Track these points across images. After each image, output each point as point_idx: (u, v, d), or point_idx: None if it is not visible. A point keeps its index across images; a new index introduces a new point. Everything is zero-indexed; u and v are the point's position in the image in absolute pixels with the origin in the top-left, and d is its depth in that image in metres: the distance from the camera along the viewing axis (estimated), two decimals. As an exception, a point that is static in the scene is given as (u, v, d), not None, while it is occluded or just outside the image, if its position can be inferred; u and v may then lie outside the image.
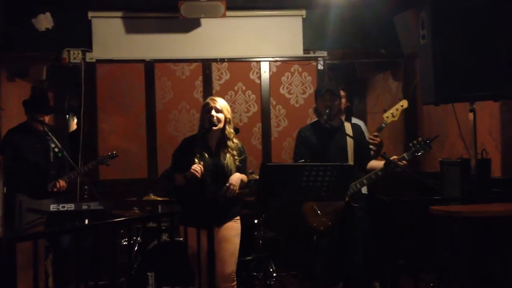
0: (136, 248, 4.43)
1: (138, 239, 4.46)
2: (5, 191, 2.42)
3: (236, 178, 3.73)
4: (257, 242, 4.57)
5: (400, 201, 4.43)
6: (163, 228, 4.34)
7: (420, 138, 3.92)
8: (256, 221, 4.64)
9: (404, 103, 4.18)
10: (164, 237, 4.37)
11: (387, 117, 4.18)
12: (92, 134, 5.78)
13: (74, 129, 7.26)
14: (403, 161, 3.80)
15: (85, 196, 4.37)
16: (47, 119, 4.54)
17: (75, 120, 7.32)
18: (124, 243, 4.40)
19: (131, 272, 4.14)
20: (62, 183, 4.40)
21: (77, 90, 5.79)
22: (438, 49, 3.70)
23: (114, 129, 5.83)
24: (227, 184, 3.68)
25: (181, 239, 3.97)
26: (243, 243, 3.88)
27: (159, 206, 4.71)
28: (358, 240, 4.07)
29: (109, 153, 4.81)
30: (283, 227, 5.00)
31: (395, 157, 3.82)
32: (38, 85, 6.52)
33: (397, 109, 4.17)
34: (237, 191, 3.73)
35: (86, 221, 3.67)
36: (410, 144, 3.89)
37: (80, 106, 5.72)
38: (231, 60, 5.96)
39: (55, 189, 4.37)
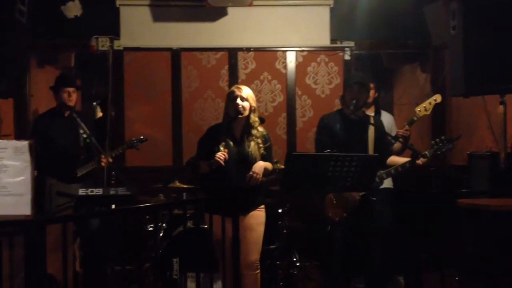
0: (161, 234, 4.47)
1: (164, 225, 4.50)
2: (35, 174, 2.49)
3: (260, 166, 3.74)
4: (281, 232, 4.58)
5: (427, 193, 4.39)
6: (188, 215, 4.37)
7: (443, 137, 3.89)
8: (280, 210, 4.65)
9: (438, 98, 4.13)
10: (189, 224, 4.41)
11: (419, 110, 4.13)
12: (118, 122, 5.84)
13: (100, 116, 7.34)
14: (425, 158, 3.78)
15: (112, 182, 4.42)
16: (74, 96, 4.58)
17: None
18: (150, 229, 4.46)
19: (156, 257, 4.19)
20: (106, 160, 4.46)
21: (104, 77, 5.85)
22: (469, 40, 3.64)
23: (140, 117, 5.89)
24: (250, 172, 3.70)
25: (206, 226, 4.01)
26: (267, 232, 3.89)
27: (184, 194, 4.75)
28: (375, 233, 4.05)
29: (139, 137, 4.87)
30: (307, 216, 5.00)
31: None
32: (66, 72, 6.60)
33: (430, 103, 4.12)
34: (260, 179, 3.74)
35: (113, 206, 3.73)
36: (433, 142, 3.86)
37: (107, 93, 5.78)
38: (257, 50, 5.95)
39: (102, 164, 4.43)
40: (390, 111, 6.08)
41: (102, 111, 6.31)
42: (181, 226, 4.33)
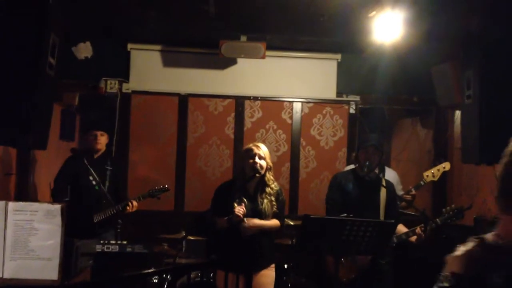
0: (165, 286, 4.40)
1: (168, 277, 4.43)
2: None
3: (253, 223, 3.68)
4: (287, 287, 4.53)
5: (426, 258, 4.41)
6: (194, 266, 4.32)
7: (453, 205, 3.99)
8: (286, 266, 4.61)
9: (447, 166, 4.22)
10: (193, 275, 4.35)
11: (427, 176, 4.20)
12: (122, 163, 5.79)
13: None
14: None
15: (118, 230, 4.37)
16: (102, 139, 4.63)
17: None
18: (155, 281, 4.38)
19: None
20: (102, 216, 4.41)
21: (107, 117, 5.82)
22: (485, 109, 3.70)
23: (144, 160, 5.86)
24: (244, 224, 3.63)
25: (211, 280, 3.96)
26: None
27: (184, 243, 4.66)
28: None
29: (161, 186, 4.72)
30: (313, 274, 4.97)
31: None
32: (68, 108, 6.56)
33: (438, 170, 4.20)
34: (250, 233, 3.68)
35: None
36: (444, 210, 3.93)
37: (113, 135, 5.74)
38: (264, 99, 6.00)
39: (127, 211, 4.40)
40: (387, 164, 6.12)
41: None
42: (185, 277, 4.26)
